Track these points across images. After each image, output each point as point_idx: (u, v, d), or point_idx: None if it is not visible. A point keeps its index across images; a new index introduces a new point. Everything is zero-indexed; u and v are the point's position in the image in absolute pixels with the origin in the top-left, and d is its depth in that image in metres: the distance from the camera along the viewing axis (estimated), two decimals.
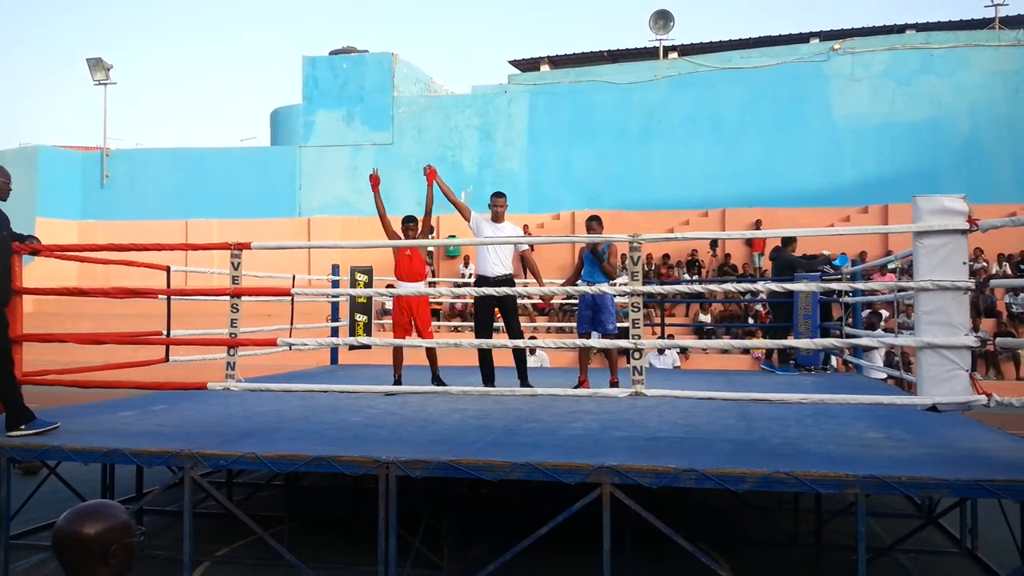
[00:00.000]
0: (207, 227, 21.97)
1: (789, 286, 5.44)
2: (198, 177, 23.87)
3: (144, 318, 12.07)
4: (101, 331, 7.05)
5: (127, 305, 16.68)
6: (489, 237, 6.92)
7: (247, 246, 5.02)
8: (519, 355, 7.02)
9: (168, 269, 6.92)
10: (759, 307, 15.49)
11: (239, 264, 5.00)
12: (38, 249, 5.41)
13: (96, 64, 25.59)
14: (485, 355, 6.96)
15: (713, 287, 5.46)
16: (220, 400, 6.66)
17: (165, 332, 6.65)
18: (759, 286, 4.80)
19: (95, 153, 25.08)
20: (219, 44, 72.78)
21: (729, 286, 4.71)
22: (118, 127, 77.48)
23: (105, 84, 25.88)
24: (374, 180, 7.29)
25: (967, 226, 4.28)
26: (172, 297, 6.56)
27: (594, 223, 7.25)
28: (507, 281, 6.98)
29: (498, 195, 7.20)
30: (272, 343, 5.33)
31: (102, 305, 18.41)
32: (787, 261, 11.07)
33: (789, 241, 11.42)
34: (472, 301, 7.52)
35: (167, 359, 6.73)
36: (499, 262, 6.99)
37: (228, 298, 5.06)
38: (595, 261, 7.25)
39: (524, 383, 6.87)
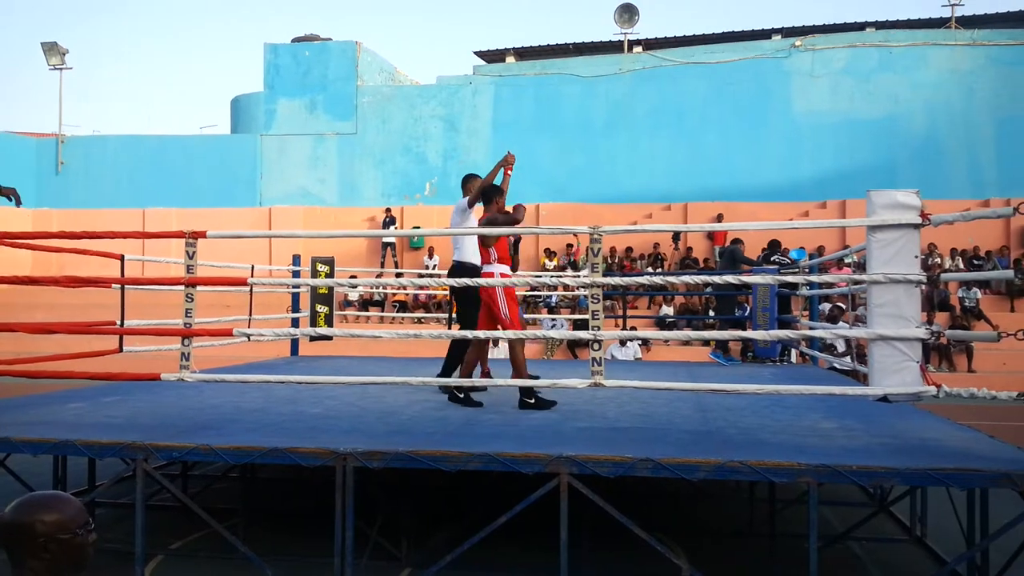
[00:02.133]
0: (165, 216, 21.59)
1: (747, 279, 5.50)
2: (156, 165, 23.45)
3: (101, 308, 11.83)
4: (54, 321, 6.91)
5: (83, 295, 16.31)
6: (472, 226, 6.57)
7: (202, 234, 4.94)
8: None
9: (122, 257, 6.79)
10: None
11: (194, 253, 4.92)
12: None
13: (51, 48, 24.99)
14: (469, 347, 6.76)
15: (671, 279, 5.52)
16: (175, 391, 6.55)
17: (119, 322, 6.52)
18: (716, 279, 4.86)
19: (50, 139, 24.52)
20: (179, 29, 71.52)
21: (687, 278, 4.75)
22: (74, 113, 75.96)
23: (61, 69, 25.30)
24: (510, 160, 6.46)
25: (919, 220, 4.36)
26: (126, 286, 6.44)
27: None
28: None
29: (478, 177, 6.97)
30: (228, 333, 5.26)
31: (57, 295, 17.99)
32: (732, 255, 11.45)
33: (739, 240, 11.85)
34: (433, 292, 7.28)
35: (121, 349, 6.61)
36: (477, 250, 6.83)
37: (183, 287, 4.98)
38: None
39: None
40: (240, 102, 24.64)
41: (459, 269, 6.56)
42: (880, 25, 22.54)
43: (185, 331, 4.98)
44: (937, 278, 5.85)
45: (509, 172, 6.51)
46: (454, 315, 6.90)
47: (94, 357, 6.45)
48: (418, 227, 19.15)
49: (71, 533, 1.80)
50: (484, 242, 6.03)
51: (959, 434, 4.93)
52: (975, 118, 20.20)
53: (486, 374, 7.03)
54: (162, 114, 63.54)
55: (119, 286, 6.13)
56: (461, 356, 6.64)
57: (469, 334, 5.76)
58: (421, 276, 14.95)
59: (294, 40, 24.02)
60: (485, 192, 6.25)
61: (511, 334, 5.60)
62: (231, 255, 15.69)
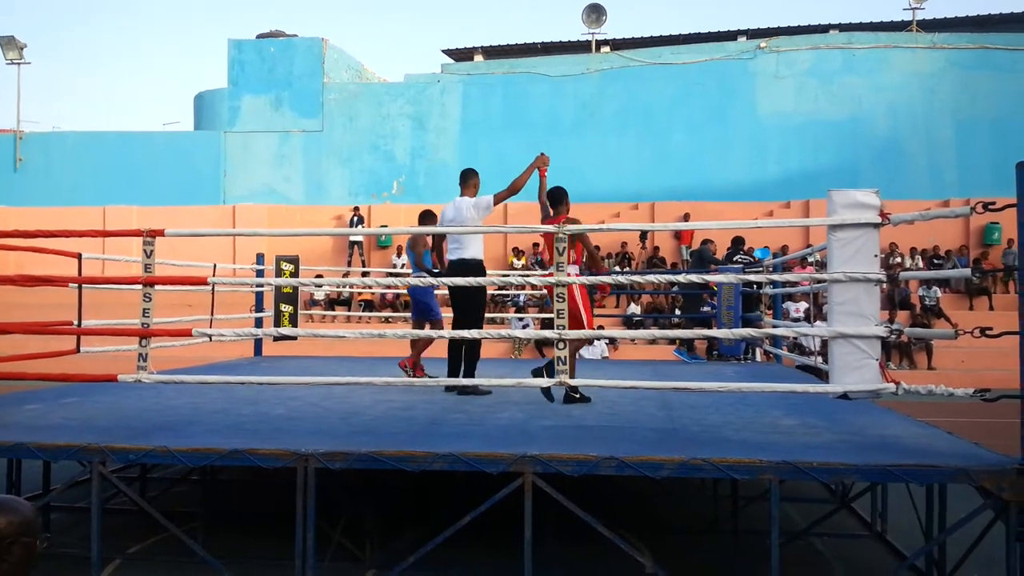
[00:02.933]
0: (126, 214, 21.20)
1: (710, 278, 5.53)
2: (118, 162, 23.03)
3: (62, 308, 11.61)
4: (10, 321, 6.76)
5: (42, 295, 15.95)
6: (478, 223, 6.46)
7: (160, 233, 4.85)
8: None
9: (79, 256, 6.65)
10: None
11: (152, 252, 4.83)
12: None
13: (8, 43, 24.48)
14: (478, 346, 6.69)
15: (637, 278, 5.55)
16: (134, 393, 6.44)
17: (76, 322, 6.39)
18: (680, 278, 4.89)
19: (8, 136, 23.97)
20: (142, 24, 70.35)
21: (652, 277, 4.81)
22: (33, 109, 74.14)
23: (19, 64, 24.79)
24: (545, 161, 6.40)
25: (879, 220, 4.42)
26: (84, 286, 6.31)
27: (427, 218, 7.36)
28: None
29: (477, 173, 6.79)
30: (187, 333, 5.17)
31: (14, 294, 17.57)
32: (700, 256, 11.61)
33: (710, 240, 12.01)
34: (398, 292, 7.26)
35: (78, 350, 6.47)
36: None
37: (141, 287, 4.88)
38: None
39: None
40: (204, 98, 24.29)
41: (466, 266, 6.29)
42: (844, 27, 22.87)
43: (143, 331, 4.88)
44: (896, 276, 5.94)
45: (544, 172, 6.43)
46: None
47: (51, 358, 6.30)
48: (385, 225, 19.04)
49: (32, 536, 1.80)
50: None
51: (918, 431, 5.00)
52: (936, 120, 20.57)
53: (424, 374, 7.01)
54: (124, 110, 62.49)
55: (76, 285, 6.01)
56: (461, 354, 6.53)
57: (470, 333, 5.75)
58: (389, 275, 14.85)
59: (259, 36, 23.73)
60: (555, 194, 6.26)
61: (477, 333, 5.59)
62: (194, 254, 15.43)
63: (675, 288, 13.50)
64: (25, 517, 1.80)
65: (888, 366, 4.45)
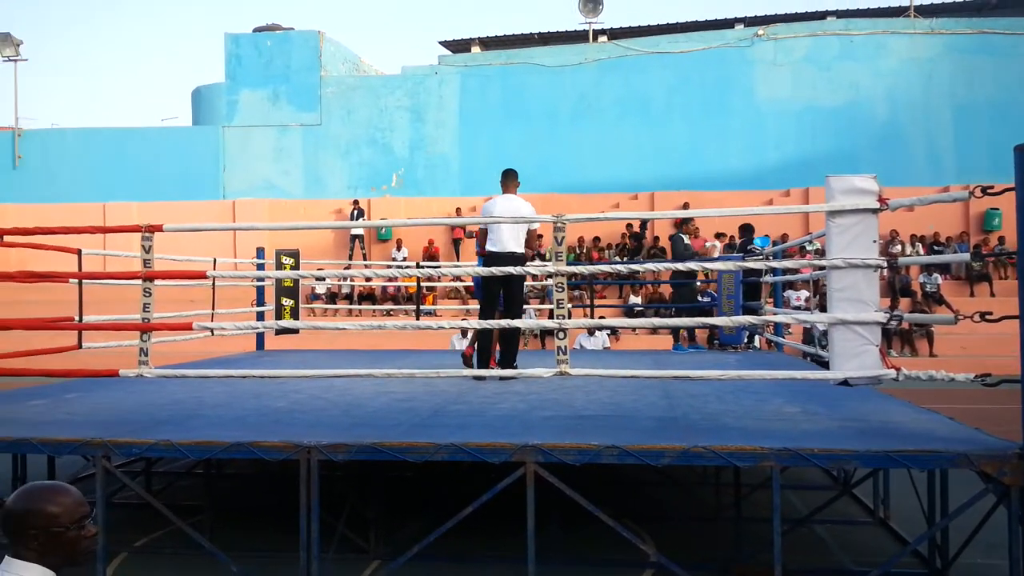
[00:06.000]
0: (126, 210, 21.20)
1: (709, 266, 5.54)
2: (117, 158, 23.01)
3: (64, 304, 11.64)
4: (12, 318, 6.76)
5: (44, 291, 16.00)
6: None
7: (159, 228, 4.85)
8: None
9: (79, 252, 6.66)
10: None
11: (150, 247, 4.83)
12: None
13: (4, 39, 24.45)
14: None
15: (634, 267, 5.58)
16: (137, 388, 6.45)
17: (77, 318, 6.40)
18: (666, 266, 4.90)
19: (6, 133, 23.94)
20: (138, 19, 70.17)
21: (650, 265, 4.83)
22: (31, 106, 74.17)
23: (15, 60, 24.77)
24: None
25: (877, 205, 4.41)
26: (85, 281, 6.33)
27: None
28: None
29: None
30: (188, 327, 5.18)
31: (16, 292, 17.63)
32: (672, 245, 11.44)
33: (688, 220, 11.76)
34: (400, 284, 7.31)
35: (80, 346, 6.49)
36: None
37: (140, 282, 4.89)
38: None
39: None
40: (201, 93, 24.25)
41: (516, 258, 6.61)
42: (841, 14, 22.82)
43: (143, 326, 4.89)
44: (896, 263, 5.94)
45: None
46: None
47: (53, 354, 6.32)
48: (384, 218, 19.04)
49: (62, 528, 1.84)
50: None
51: (919, 416, 5.01)
52: (934, 105, 20.52)
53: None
54: (122, 106, 62.43)
55: (77, 281, 6.02)
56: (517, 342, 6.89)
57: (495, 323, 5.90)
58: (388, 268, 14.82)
59: (255, 30, 23.68)
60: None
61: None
62: (195, 250, 15.44)
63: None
64: (56, 509, 1.84)
65: (889, 353, 4.46)
